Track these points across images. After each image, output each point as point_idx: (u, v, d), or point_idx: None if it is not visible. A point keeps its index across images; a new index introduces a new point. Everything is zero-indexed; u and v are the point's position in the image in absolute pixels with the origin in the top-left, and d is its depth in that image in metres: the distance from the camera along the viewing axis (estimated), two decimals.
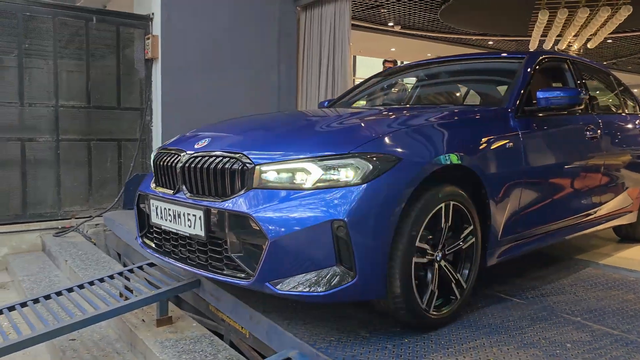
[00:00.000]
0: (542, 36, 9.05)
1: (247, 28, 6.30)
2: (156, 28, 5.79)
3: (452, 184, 2.35)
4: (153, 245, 2.74)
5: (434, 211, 2.23)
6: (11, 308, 2.95)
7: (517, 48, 11.75)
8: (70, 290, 3.12)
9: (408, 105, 3.68)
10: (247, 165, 2.19)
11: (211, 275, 2.30)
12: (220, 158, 2.29)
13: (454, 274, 2.38)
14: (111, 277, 3.25)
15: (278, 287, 2.06)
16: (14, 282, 4.67)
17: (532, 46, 9.32)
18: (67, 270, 4.32)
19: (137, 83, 5.89)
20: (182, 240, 2.47)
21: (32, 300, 3.00)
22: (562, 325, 2.42)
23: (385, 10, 7.96)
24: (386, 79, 4.26)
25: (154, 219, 2.62)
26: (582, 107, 3.43)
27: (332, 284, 2.03)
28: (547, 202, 3.00)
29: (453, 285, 2.38)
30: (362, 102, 4.05)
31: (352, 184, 2.06)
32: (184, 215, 2.39)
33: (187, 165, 2.42)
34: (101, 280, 3.22)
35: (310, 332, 2.24)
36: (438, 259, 2.31)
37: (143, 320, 3.07)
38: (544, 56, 3.37)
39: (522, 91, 2.97)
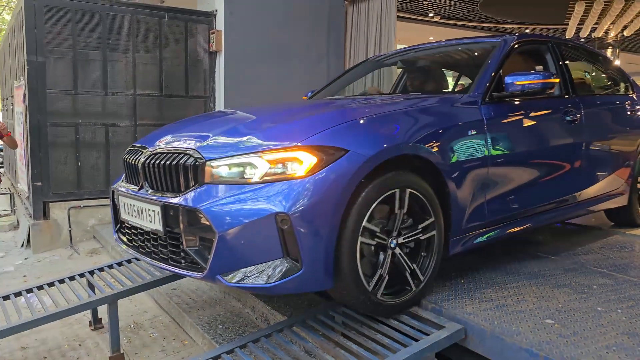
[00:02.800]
0: (579, 24, 9.32)
1: (300, 21, 6.84)
2: (219, 23, 6.39)
3: (411, 172, 2.37)
4: (125, 240, 2.82)
5: (382, 197, 2.23)
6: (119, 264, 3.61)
7: (555, 35, 12.02)
8: None
9: (374, 95, 3.72)
10: (199, 160, 2.24)
11: (171, 269, 2.38)
12: (176, 154, 2.36)
13: (409, 264, 2.38)
14: None
15: (228, 279, 2.12)
16: (104, 248, 5.39)
17: (569, 34, 9.59)
18: None
19: (202, 73, 6.52)
20: (147, 235, 2.54)
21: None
22: (590, 274, 2.91)
23: (427, 3, 8.40)
24: (369, 67, 4.20)
25: (123, 215, 2.71)
26: (562, 89, 3.39)
27: (279, 275, 2.08)
28: (518, 189, 2.93)
29: (408, 275, 2.39)
30: (343, 92, 4.05)
31: (297, 177, 2.08)
32: (145, 211, 2.45)
33: (147, 162, 2.48)
34: None
35: None
36: (392, 245, 2.31)
37: None
38: (518, 40, 3.27)
39: (490, 76, 2.92)
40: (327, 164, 2.11)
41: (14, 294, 3.24)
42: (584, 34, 9.75)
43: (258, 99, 6.32)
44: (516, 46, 3.25)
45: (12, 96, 7.02)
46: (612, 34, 10.07)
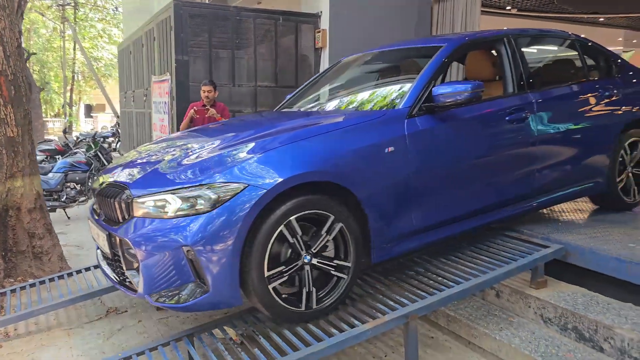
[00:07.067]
0: None
1: (392, 19, 7.70)
2: (324, 23, 7.37)
3: (317, 193, 2.50)
4: (100, 258, 3.09)
5: (279, 228, 2.40)
6: None
7: (629, 23, 12.27)
8: None
9: (301, 111, 3.74)
10: (129, 196, 2.53)
11: (121, 288, 2.72)
12: (116, 188, 2.67)
13: (330, 263, 2.57)
14: None
15: (154, 299, 2.44)
16: None
17: None
18: None
19: (307, 67, 7.54)
20: (107, 256, 2.83)
21: None
22: None
23: None
24: (341, 70, 4.18)
25: (92, 235, 3.01)
26: (515, 86, 3.33)
27: (191, 296, 2.39)
28: (448, 197, 2.99)
29: (335, 272, 2.59)
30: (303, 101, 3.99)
31: (201, 212, 2.33)
32: (100, 235, 2.75)
33: (99, 192, 2.82)
34: None
35: None
36: (307, 260, 2.51)
37: None
38: (460, 45, 3.24)
39: (422, 88, 2.93)
40: (228, 199, 2.33)
41: None
42: None
43: None
44: (459, 50, 3.25)
45: (147, 88, 8.32)
46: None
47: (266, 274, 2.40)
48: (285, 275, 2.48)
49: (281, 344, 2.44)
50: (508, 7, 9.91)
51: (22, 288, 3.71)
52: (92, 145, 7.11)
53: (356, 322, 2.53)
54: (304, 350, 2.33)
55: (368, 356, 2.94)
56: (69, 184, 6.63)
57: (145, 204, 2.45)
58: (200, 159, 2.60)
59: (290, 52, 7.40)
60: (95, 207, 3.02)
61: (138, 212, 2.47)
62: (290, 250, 2.51)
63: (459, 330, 3.06)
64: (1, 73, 3.92)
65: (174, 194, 2.40)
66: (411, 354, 2.60)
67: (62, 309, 3.62)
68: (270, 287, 2.43)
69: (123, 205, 2.56)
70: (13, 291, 3.68)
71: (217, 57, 6.89)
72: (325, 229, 2.54)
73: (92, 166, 6.87)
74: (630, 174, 3.95)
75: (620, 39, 15.07)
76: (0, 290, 3.72)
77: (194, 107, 5.71)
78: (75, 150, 7.21)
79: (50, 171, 6.61)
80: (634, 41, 15.48)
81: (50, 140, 8.47)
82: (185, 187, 2.41)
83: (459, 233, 3.13)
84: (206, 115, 5.64)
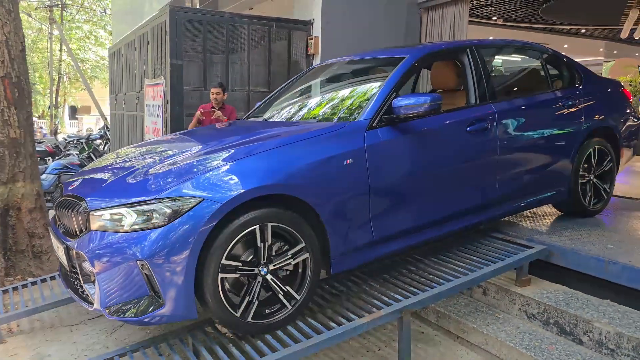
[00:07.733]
0: (634, 25, 10.01)
1: (382, 27, 7.92)
2: (316, 30, 7.54)
3: (276, 206, 2.51)
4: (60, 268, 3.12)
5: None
6: None
7: (609, 35, 12.66)
8: None
9: (265, 121, 3.71)
10: (85, 209, 2.52)
11: (77, 299, 2.70)
12: (73, 201, 2.67)
13: (286, 258, 2.58)
14: None
15: (110, 312, 2.42)
16: None
17: (624, 35, 10.29)
18: None
19: (299, 73, 7.70)
20: (65, 267, 2.83)
21: None
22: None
23: (492, 8, 9.35)
24: (302, 81, 4.16)
25: (53, 246, 2.98)
26: (477, 97, 3.33)
27: (146, 310, 2.38)
28: (408, 207, 2.99)
29: (295, 260, 2.61)
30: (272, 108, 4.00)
31: (156, 227, 2.32)
32: (59, 247, 2.75)
33: (59, 205, 2.84)
34: None
35: None
36: (263, 272, 2.52)
37: None
38: (422, 55, 3.26)
39: (383, 100, 2.94)
40: (182, 213, 2.33)
41: None
42: (638, 34, 10.44)
43: None
44: (422, 61, 3.28)
45: (140, 91, 8.40)
46: None
47: (237, 313, 2.48)
48: (253, 303, 2.53)
49: (282, 337, 2.57)
50: (494, 18, 10.20)
51: (24, 286, 3.80)
52: (86, 147, 7.17)
53: (353, 316, 2.68)
54: (305, 342, 2.47)
55: (362, 350, 3.09)
56: (62, 186, 6.68)
57: (101, 217, 2.45)
58: (157, 173, 2.58)
59: (282, 58, 7.56)
60: (56, 217, 3.01)
61: (94, 225, 2.46)
62: (245, 278, 2.56)
63: (448, 326, 3.23)
64: (6, 76, 4.02)
65: (130, 207, 2.39)
66: (404, 347, 2.76)
67: (64, 306, 3.70)
68: (249, 319, 2.51)
69: (80, 218, 2.56)
70: (15, 289, 3.76)
71: (211, 62, 7.01)
72: (259, 239, 2.51)
73: None
74: (593, 181, 4.02)
75: (601, 49, 15.52)
76: (3, 288, 3.80)
77: (201, 109, 5.85)
78: (68, 152, 7.25)
79: (43, 172, 6.66)
80: (615, 52, 15.95)
81: (41, 142, 8.46)
82: (142, 202, 2.40)
83: (419, 243, 3.13)
84: (212, 117, 5.78)
